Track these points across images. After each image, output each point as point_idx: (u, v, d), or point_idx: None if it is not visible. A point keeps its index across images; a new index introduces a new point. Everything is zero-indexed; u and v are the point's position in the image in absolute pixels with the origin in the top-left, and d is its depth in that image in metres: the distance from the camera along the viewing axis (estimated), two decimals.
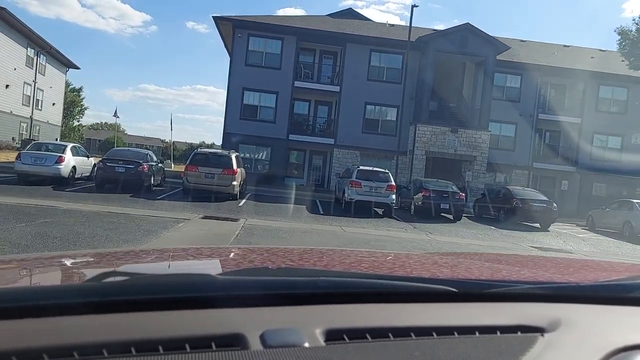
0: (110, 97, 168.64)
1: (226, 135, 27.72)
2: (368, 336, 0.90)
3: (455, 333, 0.95)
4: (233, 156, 17.54)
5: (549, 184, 28.61)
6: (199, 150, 19.19)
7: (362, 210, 16.41)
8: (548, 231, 16.30)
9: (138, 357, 0.78)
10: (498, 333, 0.97)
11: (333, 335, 0.88)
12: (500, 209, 17.31)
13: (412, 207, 17.18)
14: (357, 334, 0.90)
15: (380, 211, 17.20)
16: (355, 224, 13.99)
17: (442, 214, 17.22)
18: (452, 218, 17.10)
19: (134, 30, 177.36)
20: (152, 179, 18.53)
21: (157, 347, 0.80)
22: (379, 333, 0.91)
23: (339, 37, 27.34)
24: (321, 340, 0.86)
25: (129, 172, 17.56)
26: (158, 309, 0.89)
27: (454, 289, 1.08)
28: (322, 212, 15.98)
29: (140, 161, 17.93)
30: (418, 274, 1.41)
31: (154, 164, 19.35)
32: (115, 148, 23.97)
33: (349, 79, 27.33)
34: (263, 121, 27.75)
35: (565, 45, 34.01)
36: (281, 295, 0.99)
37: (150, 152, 20.52)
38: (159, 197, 16.28)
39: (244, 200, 17.29)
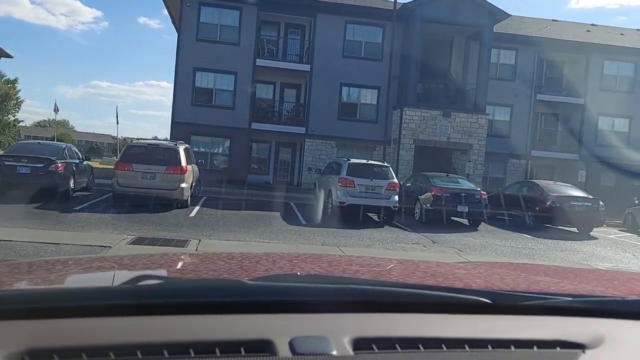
0: (63, 95, 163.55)
1: (175, 125, 23.00)
2: (397, 346, 0.88)
3: (489, 347, 0.91)
4: (181, 149, 13.08)
5: (548, 175, 25.29)
6: (134, 142, 14.48)
7: (355, 217, 12.30)
8: (596, 238, 12.60)
9: (170, 359, 0.80)
10: (535, 348, 0.93)
11: (362, 345, 0.87)
12: (527, 210, 13.52)
13: (418, 211, 13.14)
14: (386, 344, 0.88)
15: (378, 217, 13.12)
16: (353, 240, 9.90)
17: (453, 217, 13.30)
18: (469, 224, 13.22)
19: (84, 26, 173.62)
20: (72, 181, 13.81)
21: (189, 350, 0.81)
22: (409, 344, 0.89)
23: (308, 5, 22.98)
24: (350, 349, 0.85)
25: (36, 173, 12.91)
26: (190, 312, 0.91)
27: (488, 300, 1.03)
28: (304, 223, 11.75)
29: (53, 158, 13.21)
30: (450, 284, 1.35)
31: (76, 161, 14.61)
32: (22, 141, 18.84)
33: (321, 57, 23.07)
34: (220, 107, 23.17)
35: (554, 20, 30.77)
36: (310, 302, 0.97)
37: (70, 146, 15.70)
38: (76, 208, 11.72)
39: (196, 208, 12.84)
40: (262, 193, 17.76)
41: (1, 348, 0.78)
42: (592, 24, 30.12)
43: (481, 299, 1.04)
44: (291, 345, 0.84)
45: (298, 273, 1.36)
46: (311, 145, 23.36)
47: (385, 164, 13.20)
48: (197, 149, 23.28)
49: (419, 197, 13.22)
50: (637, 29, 29.62)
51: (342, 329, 0.90)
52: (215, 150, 24.04)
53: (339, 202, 12.35)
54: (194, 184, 13.99)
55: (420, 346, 0.89)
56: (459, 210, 12.54)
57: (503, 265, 2.03)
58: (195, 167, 14.80)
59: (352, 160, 13.09)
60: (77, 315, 0.87)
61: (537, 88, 25.25)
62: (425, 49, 22.27)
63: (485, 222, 13.31)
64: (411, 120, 21.79)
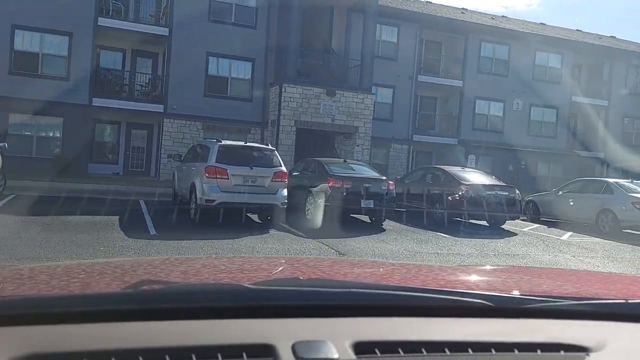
0: None
1: None
2: (400, 350, 0.88)
3: (493, 350, 0.91)
4: None
5: (427, 160, 24.29)
6: None
7: (229, 220, 9.04)
8: (515, 233, 10.78)
9: None
10: (539, 351, 0.93)
11: (364, 349, 0.86)
12: (436, 202, 11.37)
13: (311, 207, 10.23)
14: (389, 347, 0.88)
15: (260, 219, 10.02)
16: (225, 255, 6.57)
17: (354, 215, 10.68)
18: (370, 221, 10.69)
19: None
20: None
21: (190, 355, 0.80)
22: (412, 347, 0.89)
23: None
24: (352, 354, 0.85)
25: None
26: (192, 317, 0.90)
27: (490, 303, 1.03)
28: (152, 233, 8.14)
29: None
30: (452, 287, 1.30)
31: None
32: None
33: (183, 18, 19.03)
34: (49, 78, 18.06)
35: (428, 1, 29.99)
36: (312, 306, 0.98)
37: None
38: None
39: None
40: (104, 188, 13.56)
41: (2, 353, 0.78)
42: (463, 8, 29.89)
43: (484, 302, 1.03)
44: (293, 350, 0.83)
45: (300, 277, 1.35)
46: (171, 126, 19.32)
47: (270, 147, 10.01)
48: (17, 133, 18.00)
49: (311, 189, 10.31)
50: (503, 16, 29.99)
51: (344, 333, 0.89)
52: (44, 134, 18.85)
53: (206, 200, 8.93)
54: None
55: (423, 350, 0.89)
56: (362, 205, 9.88)
57: (505, 268, 2.11)
58: None
59: (224, 142, 9.66)
60: (78, 320, 0.86)
61: (418, 69, 23.93)
62: (306, 18, 19.44)
63: (389, 219, 10.89)
64: (291, 99, 18.87)
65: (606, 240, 10.38)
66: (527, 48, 24.75)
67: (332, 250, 7.66)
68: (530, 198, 13.84)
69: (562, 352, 0.93)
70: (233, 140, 12.08)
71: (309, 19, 19.76)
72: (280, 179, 9.37)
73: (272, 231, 9.07)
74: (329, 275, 1.43)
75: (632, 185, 11.76)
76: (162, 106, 19.17)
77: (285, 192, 9.41)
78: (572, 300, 1.15)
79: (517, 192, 11.45)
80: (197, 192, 9.09)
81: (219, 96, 19.78)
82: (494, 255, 8.12)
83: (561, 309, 1.08)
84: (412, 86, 23.72)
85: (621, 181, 12.18)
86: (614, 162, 27.18)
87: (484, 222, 11.63)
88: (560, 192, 13.16)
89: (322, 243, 8.11)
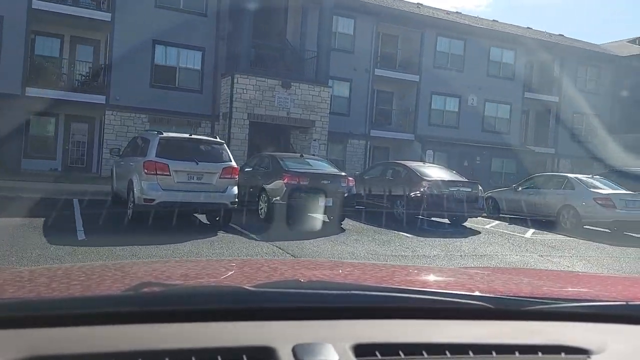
0: None
1: None
2: (401, 353, 0.87)
3: (494, 352, 0.91)
4: None
5: (384, 156, 23.91)
6: None
7: (172, 221, 8.12)
8: (479, 232, 10.33)
9: None
10: (540, 354, 0.92)
11: (365, 351, 0.86)
12: (396, 199, 10.80)
13: (265, 206, 9.42)
14: (389, 350, 0.87)
15: (208, 219, 9.15)
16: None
17: (311, 214, 9.97)
18: (328, 220, 10.02)
19: None
20: None
21: (190, 357, 0.80)
22: (412, 350, 0.88)
23: None
24: (352, 356, 0.85)
25: None
26: (192, 319, 0.90)
27: (491, 305, 1.03)
28: (81, 238, 7.13)
29: None
30: (452, 289, 1.32)
31: None
32: None
33: (127, 3, 17.74)
34: None
35: None
36: (313, 308, 0.98)
37: None
38: None
39: None
40: (37, 187, 12.27)
41: (3, 356, 0.77)
42: (419, 3, 29.68)
43: (484, 304, 1.03)
44: (294, 353, 0.82)
45: (300, 279, 1.34)
46: (114, 119, 17.99)
47: (218, 140, 9.07)
48: None
49: (265, 186, 9.50)
50: (457, 12, 29.97)
51: (344, 336, 0.89)
52: None
53: (145, 200, 7.95)
54: None
55: (424, 352, 0.88)
56: (320, 203, 9.15)
57: (506, 270, 2.10)
58: None
59: (166, 134, 8.66)
60: (78, 323, 0.86)
61: (375, 62, 23.46)
62: (259, 7, 18.51)
63: (349, 218, 10.25)
64: (244, 90, 17.94)
65: (570, 238, 10.12)
66: (481, 44, 24.77)
67: (287, 255, 6.92)
68: (489, 194, 13.54)
69: (562, 355, 0.93)
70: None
71: (262, 8, 18.85)
72: (229, 176, 8.50)
73: (221, 234, 8.22)
74: (330, 278, 1.43)
75: (592, 181, 11.62)
76: (104, 97, 17.82)
77: (235, 190, 8.55)
78: (572, 302, 1.15)
79: (480, 188, 11.05)
80: (135, 191, 8.09)
81: (167, 87, 18.60)
82: (461, 256, 7.61)
83: (562, 311, 1.08)
84: (369, 80, 23.24)
85: (582, 176, 12.04)
86: (565, 157, 27.80)
87: (445, 220, 11.17)
88: (520, 188, 12.91)
89: (276, 246, 7.36)
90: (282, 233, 8.19)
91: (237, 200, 8.57)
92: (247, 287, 1.02)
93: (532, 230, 10.82)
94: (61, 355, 0.78)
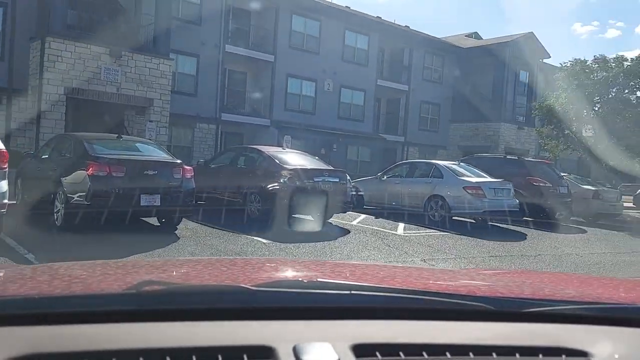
0: None
1: None
2: (401, 353, 0.87)
3: (494, 354, 0.90)
4: None
5: (238, 143, 21.79)
6: None
7: None
8: (348, 231, 8.80)
9: None
10: (540, 356, 0.92)
11: (365, 351, 0.86)
12: (249, 193, 8.76)
13: (61, 209, 6.65)
14: (389, 350, 0.87)
15: None
16: None
17: (132, 217, 7.46)
18: (160, 223, 7.64)
19: None
20: None
21: (191, 356, 0.80)
22: (413, 350, 0.88)
23: None
24: (353, 356, 0.84)
25: None
26: (192, 318, 0.90)
27: (492, 307, 1.03)
28: None
29: None
30: (454, 290, 1.28)
31: None
32: None
33: None
34: None
35: None
36: (313, 308, 0.97)
37: None
38: None
39: None
40: None
41: (3, 353, 0.77)
42: None
43: (486, 305, 1.03)
44: (294, 352, 0.82)
45: (302, 279, 1.33)
46: None
47: None
48: None
49: (62, 180, 6.75)
50: None
51: (345, 336, 0.89)
52: None
53: None
54: None
55: (424, 353, 0.88)
56: (143, 202, 6.71)
57: (507, 271, 2.04)
58: None
59: None
60: (79, 321, 0.86)
61: (225, 38, 21.10)
62: None
63: (187, 218, 7.98)
64: (59, 59, 14.37)
65: (443, 233, 9.11)
66: (337, 26, 23.88)
67: None
68: (352, 184, 12.25)
69: (564, 357, 0.92)
70: None
71: None
72: None
73: None
74: (330, 278, 1.39)
75: (460, 169, 10.92)
76: None
77: (4, 185, 5.75)
78: (574, 304, 1.15)
79: (349, 177, 9.57)
80: None
81: None
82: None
83: (563, 313, 1.07)
84: (220, 57, 20.85)
85: (449, 163, 11.29)
86: (413, 145, 28.49)
87: (309, 217, 9.46)
88: (385, 177, 11.83)
89: None
90: (86, 248, 5.66)
91: (6, 201, 5.75)
92: (248, 287, 1.00)
93: (402, 225, 9.65)
94: (62, 353, 0.78)
